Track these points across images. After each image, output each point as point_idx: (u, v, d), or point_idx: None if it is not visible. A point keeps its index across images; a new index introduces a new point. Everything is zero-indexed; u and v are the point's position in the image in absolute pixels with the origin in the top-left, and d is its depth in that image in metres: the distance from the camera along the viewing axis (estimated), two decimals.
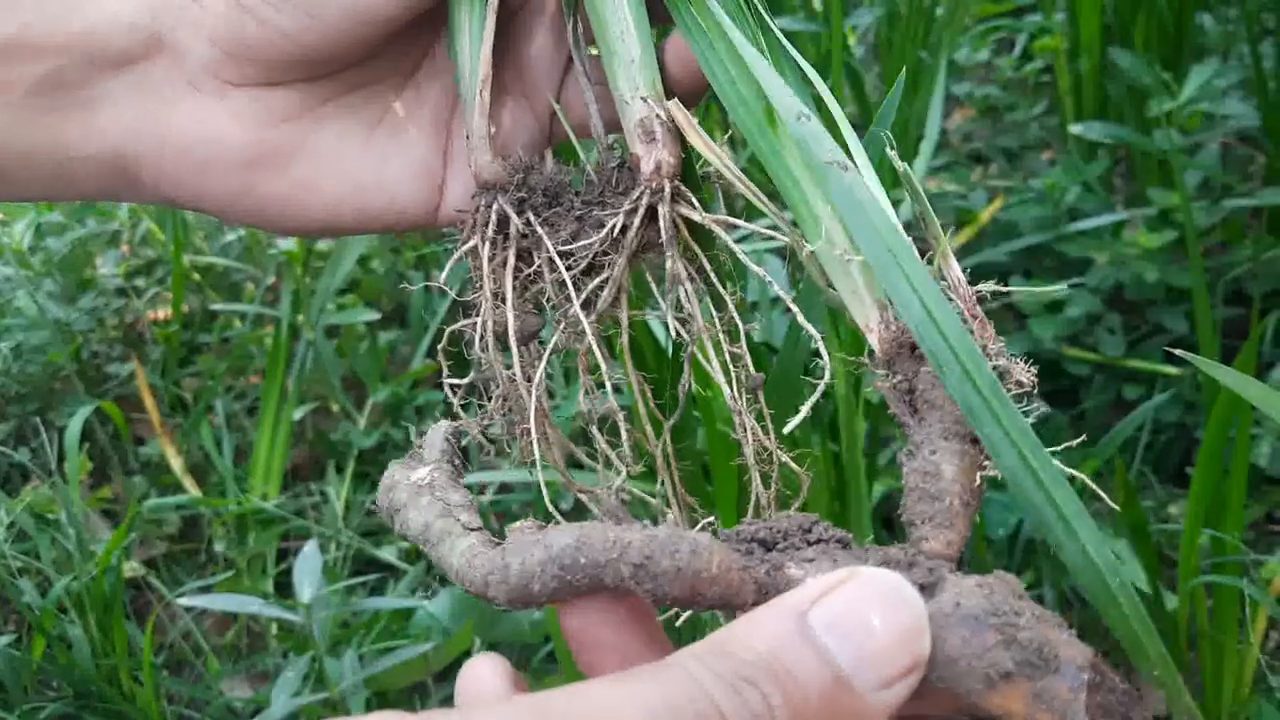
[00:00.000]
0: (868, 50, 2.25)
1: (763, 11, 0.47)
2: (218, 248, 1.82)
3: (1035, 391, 0.39)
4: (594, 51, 0.50)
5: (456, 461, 0.42)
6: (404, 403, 1.59)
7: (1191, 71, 1.57)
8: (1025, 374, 0.39)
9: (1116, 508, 1.07)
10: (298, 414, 1.55)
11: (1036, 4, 2.11)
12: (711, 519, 0.45)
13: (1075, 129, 1.63)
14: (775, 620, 0.30)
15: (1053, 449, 0.38)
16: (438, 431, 0.43)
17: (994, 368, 0.38)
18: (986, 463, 0.37)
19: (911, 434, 0.38)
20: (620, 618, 0.35)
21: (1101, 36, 1.73)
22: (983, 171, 1.95)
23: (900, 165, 0.42)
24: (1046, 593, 1.27)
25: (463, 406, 0.50)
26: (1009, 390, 0.38)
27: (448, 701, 1.24)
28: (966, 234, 1.67)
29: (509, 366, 0.48)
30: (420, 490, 0.40)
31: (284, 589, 1.39)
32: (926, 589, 0.32)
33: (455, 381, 0.49)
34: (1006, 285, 0.44)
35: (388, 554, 1.42)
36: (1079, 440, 0.41)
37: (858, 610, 0.30)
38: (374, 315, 1.59)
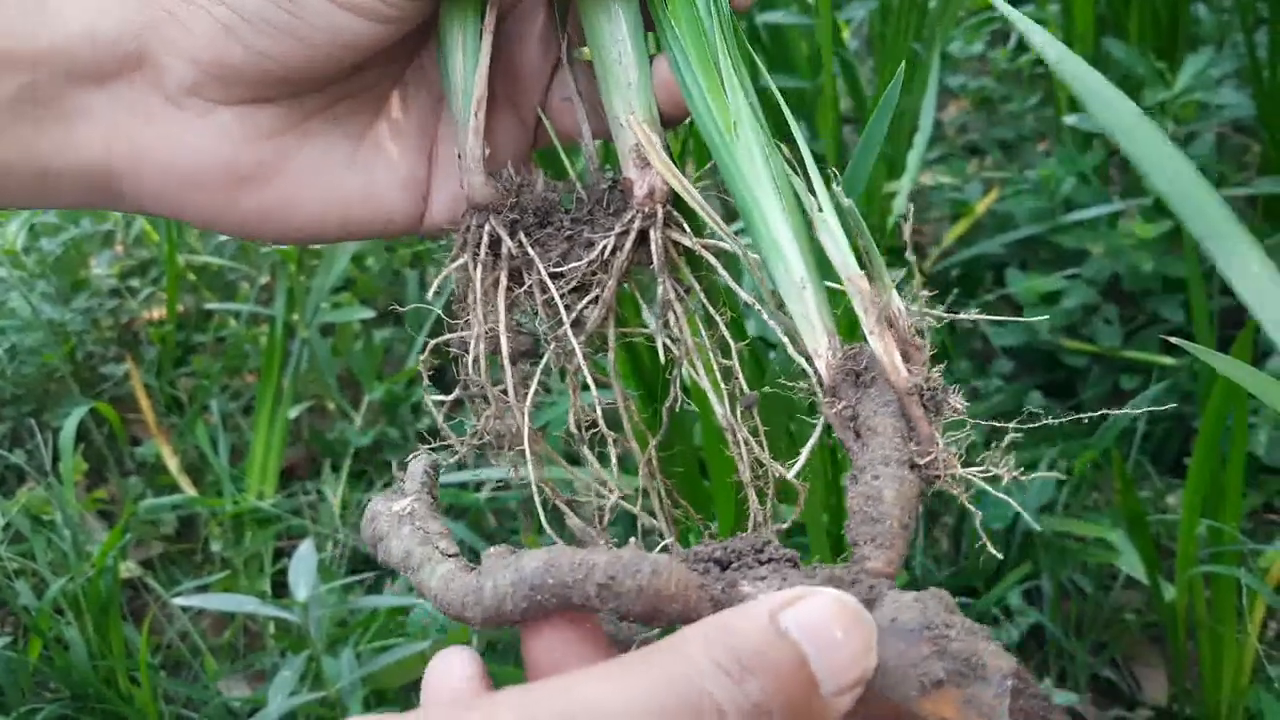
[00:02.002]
0: (862, 43, 2.25)
1: (732, 23, 0.48)
2: (212, 247, 1.81)
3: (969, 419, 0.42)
4: (585, 54, 0.50)
5: (435, 493, 0.44)
6: (400, 401, 1.59)
7: (1186, 61, 1.56)
8: (959, 403, 0.41)
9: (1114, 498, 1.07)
10: (293, 413, 1.55)
11: None
12: (670, 540, 0.46)
13: (1070, 120, 1.63)
14: (752, 619, 0.31)
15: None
16: (418, 464, 0.45)
17: (931, 398, 0.41)
18: (926, 485, 0.40)
19: (855, 459, 0.40)
20: (581, 642, 0.37)
21: (1095, 27, 1.72)
22: (978, 163, 1.95)
23: (845, 202, 0.43)
24: (1045, 584, 1.27)
25: (449, 421, 0.50)
26: (946, 417, 0.41)
27: None
28: (962, 226, 1.67)
29: (498, 384, 0.48)
30: (401, 520, 0.42)
31: (281, 588, 1.39)
32: (867, 604, 0.34)
33: (440, 398, 0.49)
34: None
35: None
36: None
37: (824, 620, 0.32)
38: (369, 313, 1.59)
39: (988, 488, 0.40)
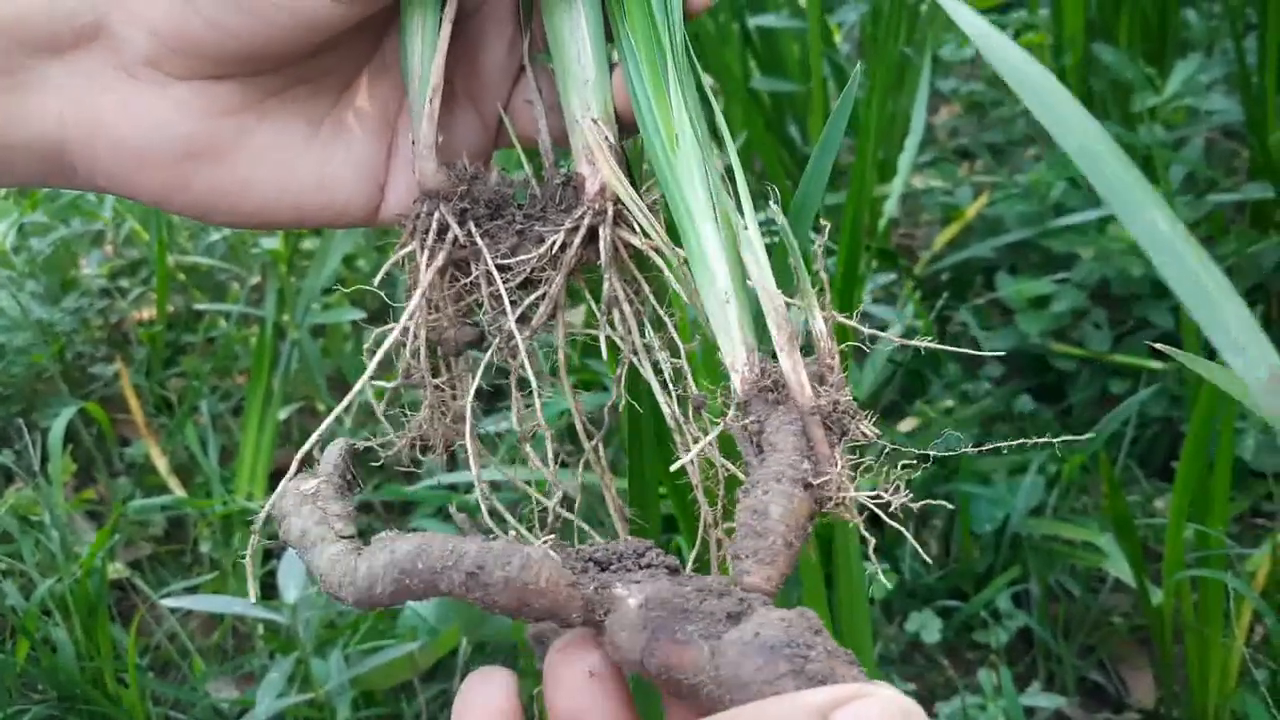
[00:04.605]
0: (853, 47, 2.25)
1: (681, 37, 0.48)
2: (202, 247, 1.81)
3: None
4: (552, 65, 0.50)
5: (349, 476, 0.45)
6: (390, 403, 1.59)
7: (1175, 67, 1.57)
8: (869, 429, 0.41)
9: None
10: (283, 414, 1.55)
11: (1021, 0, 2.11)
12: (552, 537, 0.46)
13: None
14: (802, 711, 0.30)
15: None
16: (334, 447, 0.46)
17: (838, 421, 0.41)
18: (819, 508, 0.39)
19: (751, 473, 0.40)
20: (601, 690, 0.37)
21: (1085, 32, 1.73)
22: (969, 167, 1.95)
23: (780, 220, 0.44)
24: (1034, 587, 1.27)
25: (389, 416, 0.50)
26: (852, 440, 0.41)
27: (434, 701, 1.24)
28: (953, 230, 1.67)
29: (436, 374, 0.48)
30: (305, 499, 0.43)
31: (270, 590, 1.39)
32: (734, 617, 0.34)
33: (382, 384, 0.50)
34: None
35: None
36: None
37: None
38: (359, 315, 1.59)
39: (881, 513, 0.39)
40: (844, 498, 0.39)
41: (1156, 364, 1.42)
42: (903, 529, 0.40)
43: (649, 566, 0.37)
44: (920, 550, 0.41)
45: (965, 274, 1.65)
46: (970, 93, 2.06)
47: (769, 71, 1.79)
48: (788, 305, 0.43)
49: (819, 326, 0.43)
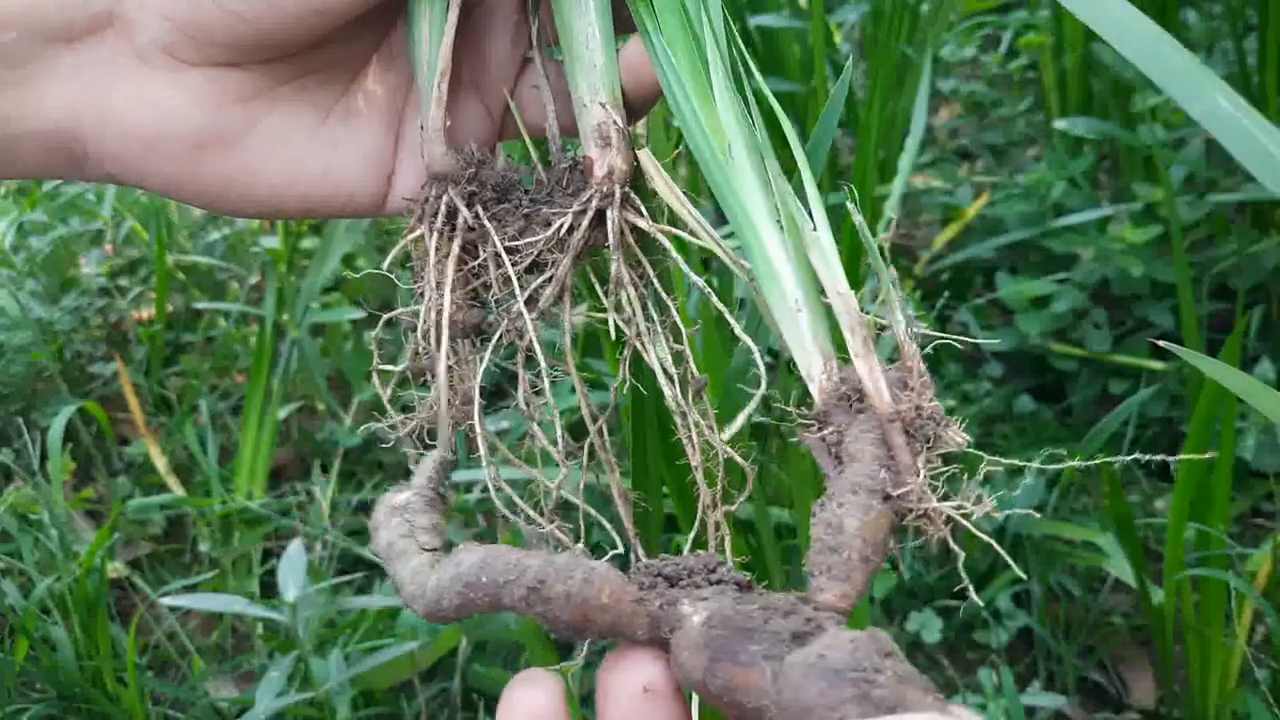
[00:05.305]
0: (854, 47, 2.25)
1: (731, 36, 0.47)
2: (202, 246, 1.81)
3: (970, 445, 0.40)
4: (558, 58, 0.50)
5: (441, 489, 0.45)
6: (390, 401, 1.58)
7: None
8: (960, 436, 0.39)
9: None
10: (283, 413, 1.55)
11: (1021, 0, 2.11)
12: (619, 551, 0.44)
13: (1060, 125, 1.64)
14: None
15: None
16: (429, 460, 0.46)
17: (921, 428, 0.39)
18: (899, 519, 0.38)
19: (829, 486, 0.38)
20: (662, 713, 0.35)
21: (1086, 32, 1.73)
22: (969, 167, 1.95)
23: (857, 219, 0.42)
24: (1034, 587, 1.27)
25: (396, 400, 0.50)
26: (943, 449, 0.39)
27: (434, 700, 1.24)
28: (953, 230, 1.67)
29: (446, 357, 0.49)
30: (394, 511, 0.43)
31: (269, 589, 1.39)
32: (799, 637, 0.32)
33: (387, 368, 0.50)
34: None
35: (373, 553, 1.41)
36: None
37: None
38: (359, 314, 1.59)
39: (968, 525, 0.38)
40: (926, 509, 0.37)
41: (1156, 364, 1.42)
42: (990, 539, 0.38)
43: (719, 582, 0.36)
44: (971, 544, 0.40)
45: (965, 274, 1.65)
46: (970, 93, 2.06)
47: (769, 72, 1.79)
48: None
49: (900, 329, 0.41)
